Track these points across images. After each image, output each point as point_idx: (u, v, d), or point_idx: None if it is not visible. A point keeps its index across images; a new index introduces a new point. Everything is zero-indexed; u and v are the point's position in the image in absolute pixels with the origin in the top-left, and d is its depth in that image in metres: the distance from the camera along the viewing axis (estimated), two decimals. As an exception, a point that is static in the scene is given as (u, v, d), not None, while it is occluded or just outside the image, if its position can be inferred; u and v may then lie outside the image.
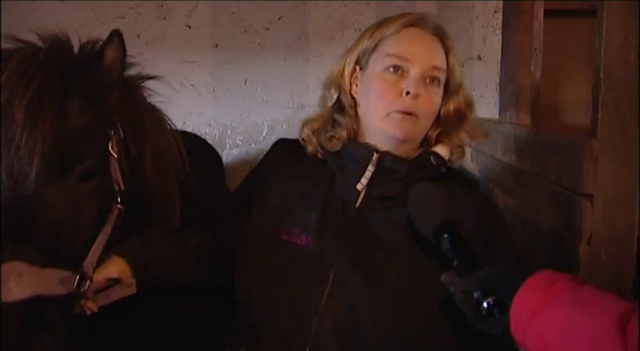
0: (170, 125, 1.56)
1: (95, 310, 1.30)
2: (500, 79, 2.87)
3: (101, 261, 1.31)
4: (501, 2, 2.83)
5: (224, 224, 1.57)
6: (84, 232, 1.25)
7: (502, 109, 2.81)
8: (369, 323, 1.33)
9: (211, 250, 1.51)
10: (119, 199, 1.31)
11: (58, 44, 1.29)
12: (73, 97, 1.22)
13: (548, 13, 2.70)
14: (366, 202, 1.44)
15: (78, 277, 1.21)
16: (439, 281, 1.21)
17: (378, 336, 1.33)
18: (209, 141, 2.98)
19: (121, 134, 1.33)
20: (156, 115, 1.52)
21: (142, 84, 1.49)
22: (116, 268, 1.32)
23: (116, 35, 1.31)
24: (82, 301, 1.25)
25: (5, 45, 1.27)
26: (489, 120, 2.59)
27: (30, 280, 1.10)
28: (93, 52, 1.31)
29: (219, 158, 2.63)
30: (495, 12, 2.93)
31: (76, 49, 1.32)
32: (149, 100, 1.54)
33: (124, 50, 1.33)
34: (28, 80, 1.16)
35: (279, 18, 2.94)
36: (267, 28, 2.96)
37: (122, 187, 1.32)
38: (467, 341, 1.33)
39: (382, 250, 1.39)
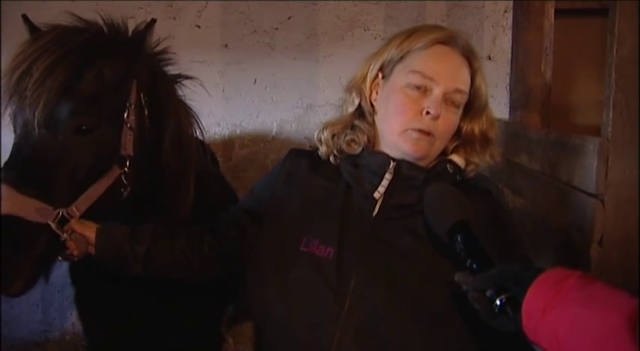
0: (195, 119, 1.75)
1: (75, 252, 1.44)
2: (510, 79, 2.86)
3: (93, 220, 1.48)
4: (512, 2, 2.82)
5: (227, 227, 1.59)
6: (73, 178, 1.41)
7: (512, 109, 2.80)
8: (390, 332, 1.32)
9: (201, 255, 1.57)
10: (127, 163, 1.48)
11: (95, 25, 1.52)
12: (92, 67, 1.42)
13: (558, 13, 2.68)
14: (383, 210, 1.42)
15: (60, 213, 1.37)
16: (458, 287, 1.21)
17: (401, 344, 1.32)
18: (218, 141, 3.00)
19: (144, 110, 1.53)
20: (183, 107, 1.70)
21: (178, 80, 1.71)
22: (89, 231, 1.46)
23: (152, 24, 1.56)
24: (62, 239, 1.41)
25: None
26: (499, 120, 2.58)
27: (7, 200, 1.29)
28: (123, 38, 1.54)
29: (217, 159, 2.75)
30: (505, 12, 2.92)
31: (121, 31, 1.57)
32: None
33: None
34: (56, 48, 1.39)
35: (289, 18, 2.94)
36: (277, 28, 2.96)
37: (130, 153, 1.49)
38: (485, 343, 1.32)
39: (401, 258, 1.38)
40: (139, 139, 1.52)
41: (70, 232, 1.42)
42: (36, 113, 1.34)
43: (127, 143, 1.49)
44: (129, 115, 1.48)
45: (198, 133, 1.76)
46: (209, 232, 1.59)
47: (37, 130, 1.35)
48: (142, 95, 1.53)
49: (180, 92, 1.70)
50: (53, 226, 1.37)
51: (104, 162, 1.46)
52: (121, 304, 1.71)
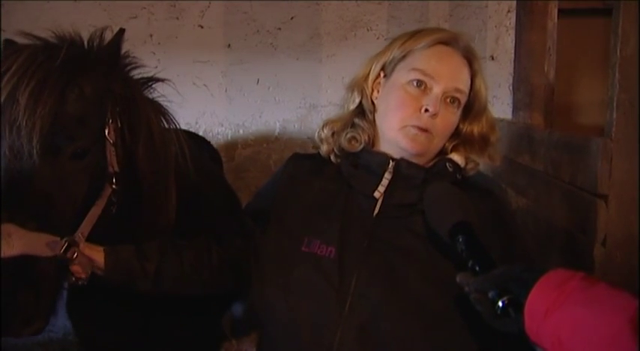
0: (170, 119, 1.69)
1: (83, 275, 1.41)
2: (513, 79, 2.86)
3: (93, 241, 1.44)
4: (515, 2, 2.82)
5: (233, 236, 1.59)
6: (74, 205, 1.38)
7: (515, 109, 2.80)
8: (392, 331, 1.33)
9: (210, 268, 1.55)
10: (114, 180, 1.46)
11: (67, 41, 1.44)
12: (73, 87, 1.38)
13: (562, 13, 2.68)
14: (384, 210, 1.43)
15: (67, 243, 1.34)
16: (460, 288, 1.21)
17: (402, 343, 1.33)
18: (221, 141, 3.01)
19: (119, 123, 1.48)
20: (154, 109, 1.64)
21: (149, 84, 1.64)
22: (97, 255, 1.43)
23: (121, 33, 1.47)
24: (70, 266, 1.39)
25: (23, 41, 1.43)
26: (502, 120, 2.58)
27: (18, 240, 1.26)
28: (96, 50, 1.48)
29: (220, 158, 2.72)
30: (509, 12, 2.92)
31: (85, 45, 1.48)
32: (157, 97, 1.66)
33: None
34: (34, 71, 1.32)
35: (292, 18, 2.95)
36: (280, 28, 2.96)
37: (116, 169, 1.46)
38: (487, 343, 1.32)
39: (402, 257, 1.39)
40: (120, 154, 1.49)
41: (74, 256, 1.38)
42: (34, 143, 1.29)
43: (112, 160, 1.45)
44: (109, 131, 1.44)
45: (172, 127, 1.68)
46: (216, 243, 1.58)
47: (36, 160, 1.31)
48: (117, 108, 1.48)
49: (151, 95, 1.65)
50: (60, 256, 1.34)
51: (98, 182, 1.44)
52: (115, 303, 1.69)
